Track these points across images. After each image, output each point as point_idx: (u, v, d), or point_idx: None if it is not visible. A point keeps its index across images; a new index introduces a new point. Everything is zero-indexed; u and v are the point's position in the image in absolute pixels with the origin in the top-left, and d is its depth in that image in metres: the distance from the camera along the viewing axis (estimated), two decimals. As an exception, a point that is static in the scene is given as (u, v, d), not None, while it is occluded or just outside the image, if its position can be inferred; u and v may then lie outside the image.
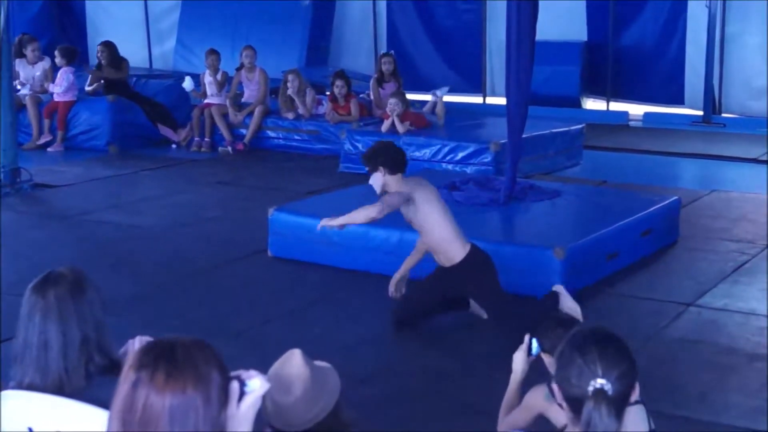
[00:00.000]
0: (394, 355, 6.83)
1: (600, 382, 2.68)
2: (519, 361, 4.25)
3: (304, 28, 17.90)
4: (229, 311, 7.41)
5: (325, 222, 7.06)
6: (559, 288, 7.03)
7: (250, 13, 18.21)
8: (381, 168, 7.12)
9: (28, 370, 3.33)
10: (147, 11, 19.82)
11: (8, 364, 3.48)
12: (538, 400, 4.16)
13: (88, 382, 3.31)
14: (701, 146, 14.23)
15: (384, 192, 7.13)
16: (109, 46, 14.91)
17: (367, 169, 7.25)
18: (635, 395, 2.80)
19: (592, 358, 2.71)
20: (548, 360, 4.11)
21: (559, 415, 2.86)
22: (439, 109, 13.26)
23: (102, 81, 14.73)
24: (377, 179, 7.17)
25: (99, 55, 14.89)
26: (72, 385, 3.28)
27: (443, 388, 6.18)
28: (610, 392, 2.67)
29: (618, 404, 2.69)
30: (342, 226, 7.12)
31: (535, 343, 4.19)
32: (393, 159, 7.16)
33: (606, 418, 2.63)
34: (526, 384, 4.30)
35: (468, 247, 7.03)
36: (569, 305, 6.90)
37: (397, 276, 7.46)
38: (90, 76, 14.86)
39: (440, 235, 7.02)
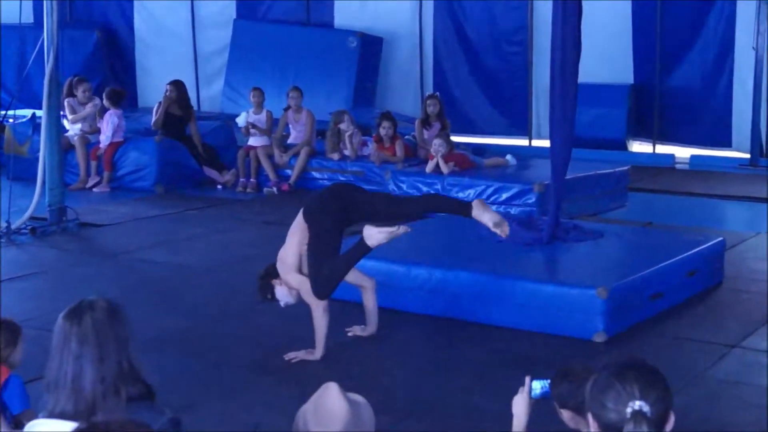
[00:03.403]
0: (435, 392, 6.79)
1: (638, 404, 2.71)
2: (520, 404, 3.96)
3: (351, 69, 18.03)
4: (270, 348, 7.41)
5: (303, 355, 7.15)
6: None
7: (298, 55, 18.37)
8: (273, 282, 7.32)
9: (61, 397, 3.31)
10: (196, 53, 20.05)
11: (40, 396, 3.49)
12: None
13: (122, 408, 3.30)
14: (748, 189, 14.14)
15: (294, 290, 7.27)
16: (177, 85, 15.08)
17: (270, 297, 7.40)
18: (671, 424, 2.80)
19: (629, 381, 2.75)
20: (567, 415, 3.95)
21: None
22: (497, 161, 13.33)
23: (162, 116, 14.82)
24: (283, 292, 7.33)
25: (168, 93, 14.95)
26: (105, 410, 3.27)
27: (484, 427, 6.13)
28: (648, 414, 2.69)
29: (656, 428, 2.71)
30: (323, 345, 7.19)
31: (536, 384, 3.93)
32: (272, 270, 7.34)
33: None
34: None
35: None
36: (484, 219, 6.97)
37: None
38: (157, 106, 14.95)
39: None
